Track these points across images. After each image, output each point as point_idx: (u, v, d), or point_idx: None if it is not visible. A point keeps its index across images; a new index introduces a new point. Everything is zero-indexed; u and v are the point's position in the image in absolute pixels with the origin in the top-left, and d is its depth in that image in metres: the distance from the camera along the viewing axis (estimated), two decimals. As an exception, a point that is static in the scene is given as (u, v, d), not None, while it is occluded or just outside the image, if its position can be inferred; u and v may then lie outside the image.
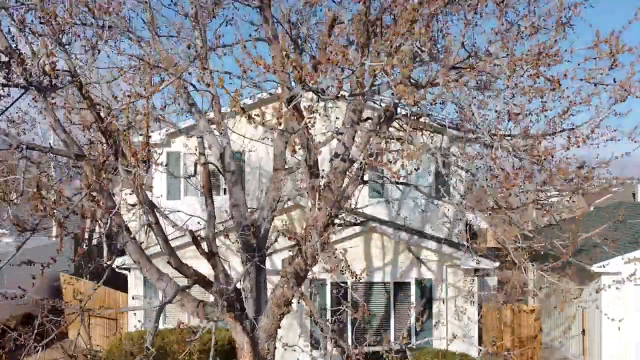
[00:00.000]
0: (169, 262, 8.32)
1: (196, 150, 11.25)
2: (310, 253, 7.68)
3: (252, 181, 16.48)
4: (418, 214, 16.31)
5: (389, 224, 14.79)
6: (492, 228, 14.32)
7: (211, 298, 9.80)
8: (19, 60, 5.23)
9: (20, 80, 5.37)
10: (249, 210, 10.24)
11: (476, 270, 14.27)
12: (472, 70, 5.53)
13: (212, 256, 9.99)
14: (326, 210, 7.59)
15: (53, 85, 5.53)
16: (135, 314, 15.21)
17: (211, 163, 10.63)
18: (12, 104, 5.64)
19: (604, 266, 14.37)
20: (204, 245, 10.15)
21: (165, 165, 14.50)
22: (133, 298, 15.01)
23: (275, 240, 9.19)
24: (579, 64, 5.38)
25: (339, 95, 5.32)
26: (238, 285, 10.05)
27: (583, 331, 15.64)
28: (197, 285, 9.47)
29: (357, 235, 14.20)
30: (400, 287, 14.50)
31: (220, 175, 10.49)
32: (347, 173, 8.27)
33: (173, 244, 14.43)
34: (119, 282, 16.51)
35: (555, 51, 5.24)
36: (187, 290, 9.14)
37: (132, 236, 7.48)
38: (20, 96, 5.68)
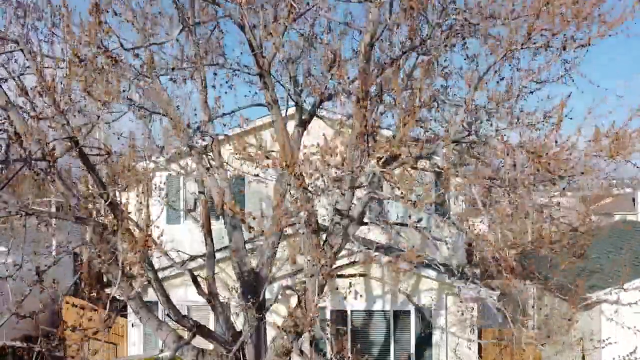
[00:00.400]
0: (168, 315, 8.31)
1: (196, 181, 11.20)
2: (309, 307, 7.67)
3: (251, 207, 16.43)
4: (418, 239, 16.27)
5: (388, 252, 14.75)
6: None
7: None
8: (18, 141, 5.22)
9: (20, 157, 5.37)
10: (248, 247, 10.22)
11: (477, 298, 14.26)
12: (473, 144, 5.52)
13: (212, 297, 9.99)
14: (326, 263, 7.57)
15: (53, 161, 5.52)
16: (134, 343, 15.24)
17: (211, 202, 10.61)
18: (11, 178, 5.63)
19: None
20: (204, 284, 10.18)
21: (165, 196, 14.46)
22: (132, 325, 15.02)
23: (276, 300, 9.16)
24: (579, 159, 5.36)
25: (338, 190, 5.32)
26: (237, 328, 10.07)
27: (583, 357, 15.65)
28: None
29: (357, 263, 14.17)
30: (400, 315, 14.48)
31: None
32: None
33: (175, 270, 14.61)
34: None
35: (556, 152, 5.22)
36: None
37: (134, 293, 7.45)
38: (19, 170, 5.68)
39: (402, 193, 4.88)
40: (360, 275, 10.66)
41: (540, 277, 16.20)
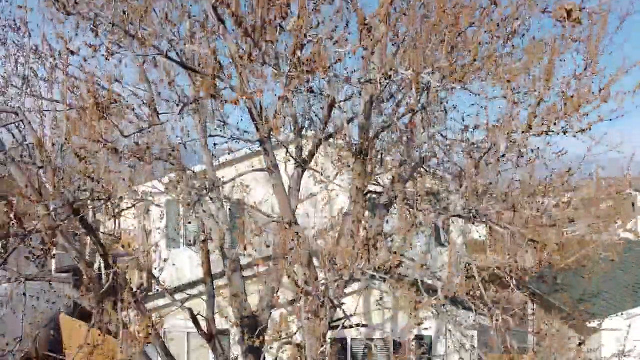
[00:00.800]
0: (168, 368, 8.32)
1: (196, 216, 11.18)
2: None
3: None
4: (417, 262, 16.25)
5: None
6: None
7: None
8: (18, 222, 5.24)
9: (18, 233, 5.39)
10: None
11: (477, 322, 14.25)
12: (474, 221, 5.55)
13: (211, 338, 10.00)
14: (326, 320, 7.58)
15: (52, 245, 5.54)
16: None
17: (211, 240, 10.59)
18: (9, 255, 5.64)
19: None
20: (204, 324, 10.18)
21: (166, 225, 14.46)
22: (133, 352, 15.01)
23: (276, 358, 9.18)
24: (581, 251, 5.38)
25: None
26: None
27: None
28: None
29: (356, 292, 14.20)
30: (400, 343, 14.49)
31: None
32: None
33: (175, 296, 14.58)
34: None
35: (555, 251, 5.23)
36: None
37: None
38: (18, 245, 5.68)
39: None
40: (363, 326, 10.68)
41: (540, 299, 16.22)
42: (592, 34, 5.03)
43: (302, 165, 7.45)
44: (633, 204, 58.55)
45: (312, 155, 9.59)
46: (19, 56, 9.31)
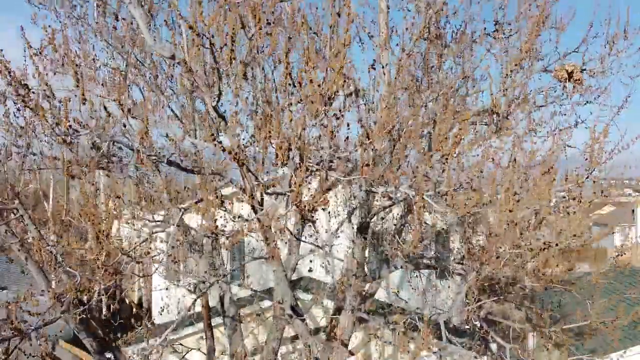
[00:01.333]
0: None
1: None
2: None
3: (251, 264, 16.39)
4: (418, 296, 16.25)
5: (389, 312, 14.74)
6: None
7: None
8: (17, 332, 5.24)
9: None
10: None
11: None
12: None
13: (211, 393, 10.04)
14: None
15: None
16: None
17: (209, 306, 10.63)
18: (10, 353, 5.63)
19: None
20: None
21: (166, 268, 14.42)
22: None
23: None
24: None
25: None
26: None
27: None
28: None
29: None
30: (400, 380, 14.52)
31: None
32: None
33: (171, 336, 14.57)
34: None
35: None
36: None
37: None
38: (19, 344, 5.69)
39: None
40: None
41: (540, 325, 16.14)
42: (593, 147, 5.02)
43: (298, 239, 7.46)
44: (633, 211, 57.62)
45: (312, 209, 9.58)
46: (18, 116, 9.28)
